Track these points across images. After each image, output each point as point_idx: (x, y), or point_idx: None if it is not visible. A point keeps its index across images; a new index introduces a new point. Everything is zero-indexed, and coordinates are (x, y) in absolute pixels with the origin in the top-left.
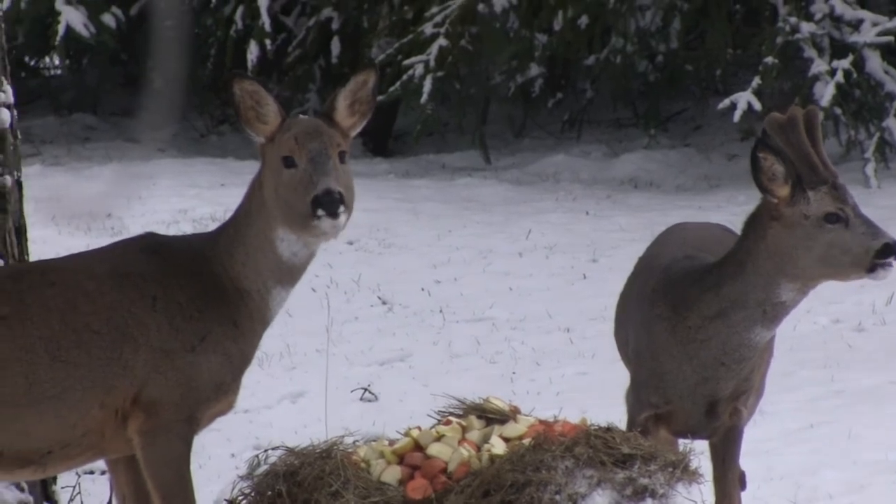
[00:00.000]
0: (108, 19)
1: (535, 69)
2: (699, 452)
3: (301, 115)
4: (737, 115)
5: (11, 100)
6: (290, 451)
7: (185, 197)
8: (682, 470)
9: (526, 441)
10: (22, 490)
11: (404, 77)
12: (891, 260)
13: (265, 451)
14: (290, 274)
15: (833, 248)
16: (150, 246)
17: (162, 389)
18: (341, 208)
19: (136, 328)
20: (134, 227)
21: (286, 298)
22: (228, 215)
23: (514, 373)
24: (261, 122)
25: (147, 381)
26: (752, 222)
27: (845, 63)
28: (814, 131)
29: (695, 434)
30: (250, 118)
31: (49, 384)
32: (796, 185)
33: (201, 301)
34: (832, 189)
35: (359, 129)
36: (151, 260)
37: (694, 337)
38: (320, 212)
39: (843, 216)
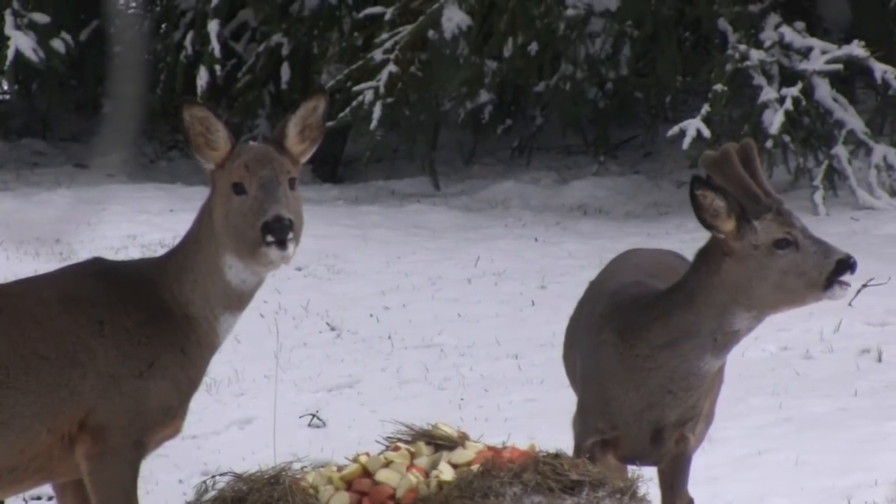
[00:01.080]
0: (57, 44)
1: (484, 96)
2: (647, 479)
3: (251, 142)
4: (686, 143)
5: None
6: (239, 477)
7: (135, 223)
8: (630, 497)
9: (474, 467)
10: None
11: (354, 103)
12: (846, 277)
13: (213, 476)
14: (239, 300)
15: (787, 273)
16: (98, 271)
17: (109, 414)
18: (290, 234)
19: (84, 353)
20: (83, 252)
21: (234, 324)
22: (178, 241)
23: (462, 399)
24: (210, 148)
25: (95, 406)
26: (704, 256)
27: (794, 90)
28: (752, 163)
29: (642, 460)
30: (200, 144)
31: None
32: (741, 217)
33: (149, 327)
34: (777, 215)
35: (309, 156)
36: (100, 285)
37: (642, 365)
38: (269, 238)
39: (791, 240)
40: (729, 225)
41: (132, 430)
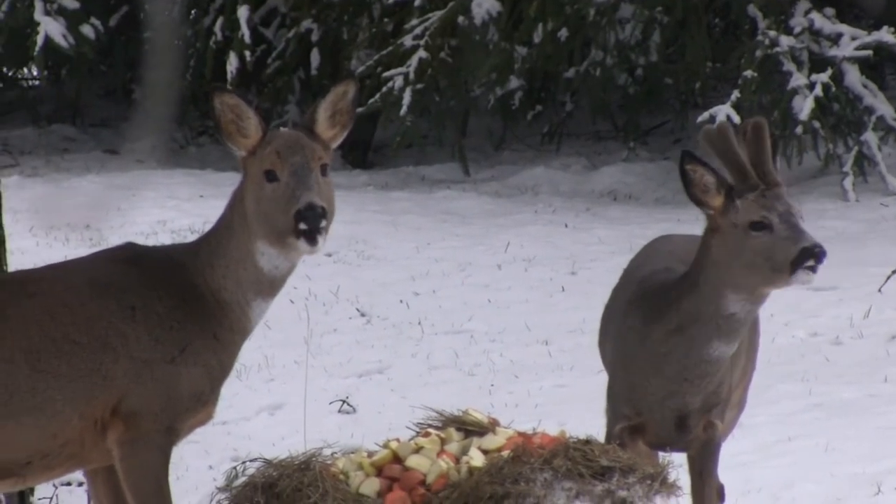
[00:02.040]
0: (87, 30)
1: (514, 82)
2: (678, 465)
3: (282, 128)
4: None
5: None
6: (269, 462)
7: (165, 208)
8: (660, 482)
9: (504, 453)
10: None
11: (384, 89)
12: (810, 263)
13: (243, 462)
14: (271, 286)
15: (758, 255)
16: (129, 257)
17: (142, 400)
18: (322, 223)
19: (116, 339)
20: (113, 238)
21: (266, 310)
22: (208, 227)
23: (492, 385)
24: (242, 135)
25: (127, 391)
26: (703, 236)
27: (824, 77)
28: (760, 142)
29: (669, 446)
30: (231, 132)
31: (29, 395)
32: (728, 194)
33: (181, 312)
34: (759, 196)
35: (339, 141)
36: (131, 271)
37: (658, 350)
38: (302, 225)
39: (767, 223)
40: (717, 201)
41: (164, 416)
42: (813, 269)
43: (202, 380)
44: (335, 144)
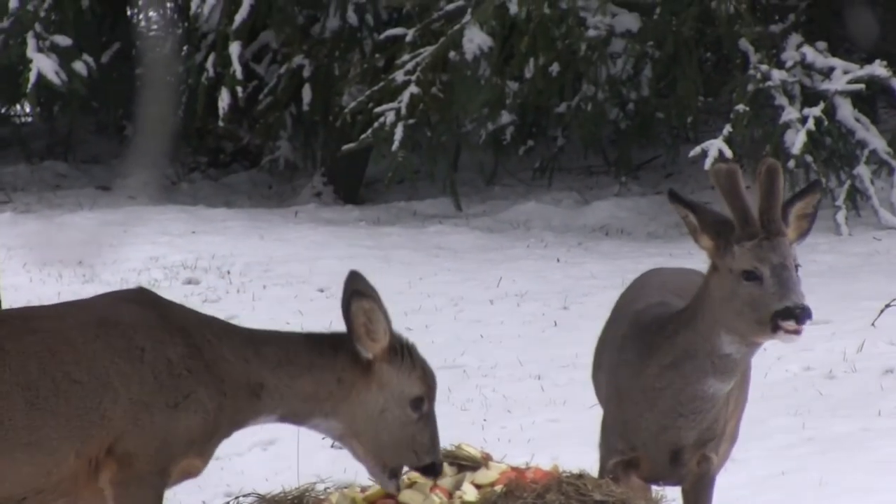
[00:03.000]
0: (79, 67)
1: (506, 117)
2: (671, 499)
3: (421, 358)
4: (708, 163)
5: None
6: (262, 498)
7: (157, 244)
8: None
9: (497, 488)
10: None
11: (375, 124)
12: (790, 323)
13: (236, 498)
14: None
15: (746, 305)
16: (146, 300)
17: (138, 442)
18: None
19: (118, 378)
20: (105, 274)
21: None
22: (201, 263)
23: (485, 420)
24: (371, 339)
25: (124, 432)
26: (706, 273)
27: (816, 111)
28: (771, 186)
29: (664, 480)
30: (361, 335)
31: (25, 431)
32: (720, 237)
33: (193, 361)
34: (756, 246)
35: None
36: (146, 313)
37: (653, 385)
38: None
39: (758, 274)
40: (706, 242)
41: (159, 458)
42: (796, 332)
43: (197, 429)
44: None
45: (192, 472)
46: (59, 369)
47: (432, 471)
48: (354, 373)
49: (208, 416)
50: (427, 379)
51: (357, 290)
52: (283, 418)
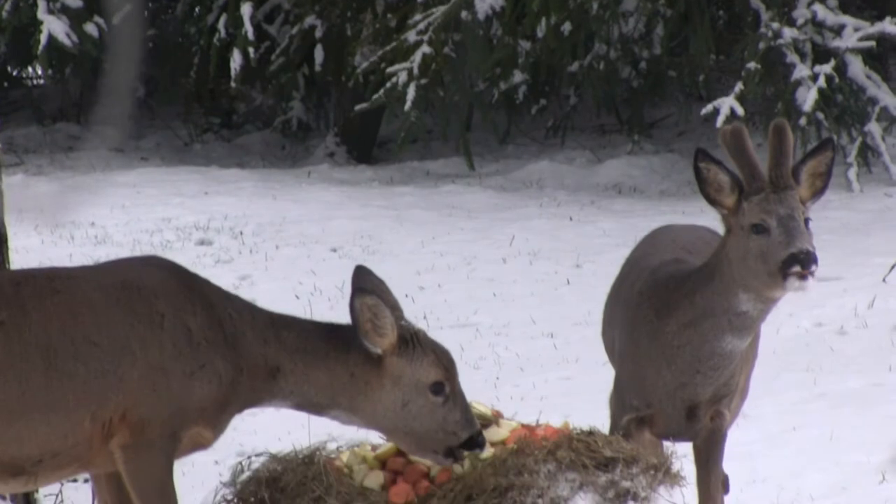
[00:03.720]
0: (90, 28)
1: (518, 76)
2: (682, 455)
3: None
4: (720, 121)
5: None
6: (273, 457)
7: (169, 205)
8: (664, 473)
9: (508, 446)
10: (3, 497)
11: (388, 84)
12: (796, 269)
13: (248, 457)
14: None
15: (756, 258)
16: (170, 268)
17: (153, 407)
18: None
19: (136, 343)
20: (117, 235)
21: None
22: (213, 224)
23: (497, 378)
24: (378, 335)
25: (140, 397)
26: (723, 234)
27: (827, 68)
28: (778, 142)
29: (677, 437)
30: (367, 330)
31: (43, 392)
32: (740, 194)
33: (213, 332)
34: (763, 199)
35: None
36: (170, 280)
37: (671, 343)
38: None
39: (765, 226)
40: (730, 201)
41: (171, 424)
42: (803, 277)
43: (210, 398)
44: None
45: (203, 443)
46: (80, 332)
47: (474, 444)
48: (366, 369)
49: (222, 387)
50: (441, 361)
51: (360, 287)
52: (300, 406)
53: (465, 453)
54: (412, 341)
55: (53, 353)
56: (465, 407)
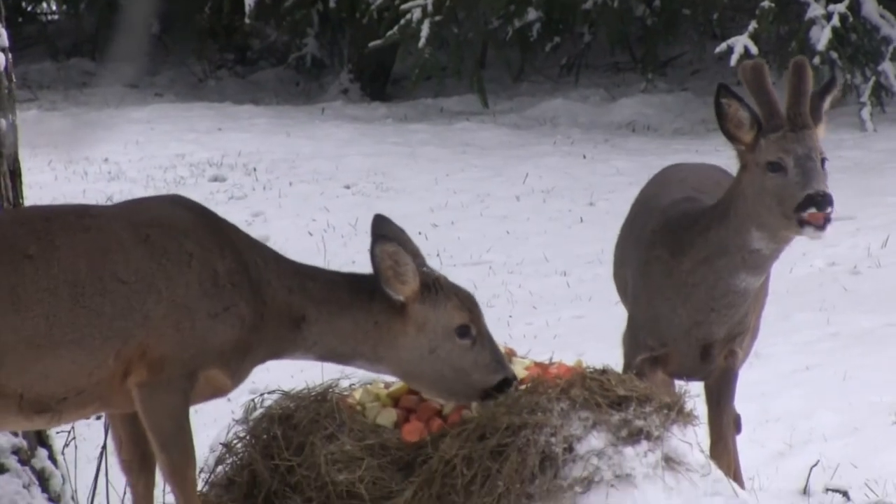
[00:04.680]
0: None
1: (532, 13)
2: (694, 395)
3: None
4: (734, 59)
5: (6, 43)
6: (286, 394)
7: (183, 142)
8: (677, 412)
9: (522, 384)
10: (16, 435)
11: (402, 21)
12: (811, 211)
13: (261, 395)
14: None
15: (772, 196)
16: (200, 210)
17: (175, 346)
18: None
19: (163, 281)
20: (131, 171)
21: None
22: (227, 160)
23: (510, 316)
24: (399, 281)
25: (163, 335)
26: (738, 171)
27: (841, 7)
28: (797, 81)
29: (690, 376)
30: (389, 277)
31: (69, 328)
32: (758, 131)
33: (239, 277)
34: (781, 137)
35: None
36: (199, 221)
37: (686, 280)
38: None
39: (782, 165)
40: (748, 137)
41: (190, 364)
42: (820, 227)
43: (230, 342)
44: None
45: (221, 389)
46: (108, 268)
47: (507, 385)
48: (390, 316)
49: (244, 332)
50: (465, 304)
51: (381, 235)
52: (324, 357)
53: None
54: (434, 287)
55: (81, 289)
56: (494, 349)
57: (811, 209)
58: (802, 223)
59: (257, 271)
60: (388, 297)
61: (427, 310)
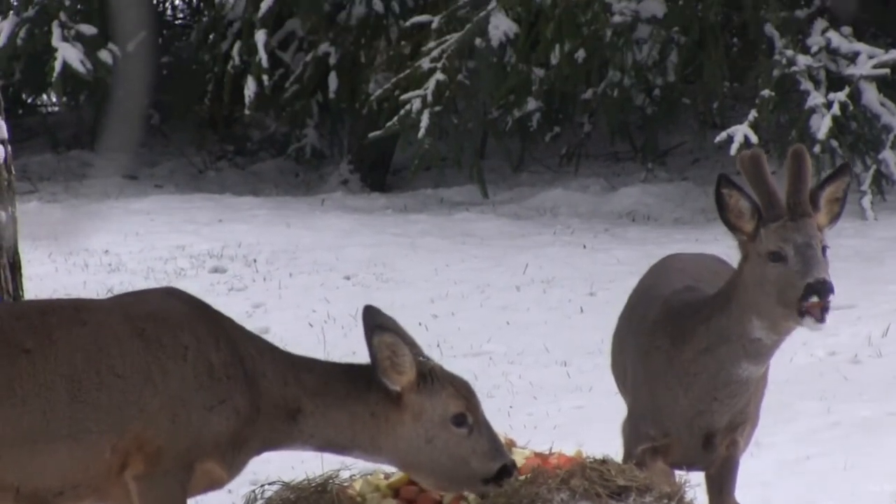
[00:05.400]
0: (104, 55)
1: (532, 103)
2: (695, 484)
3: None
4: (734, 148)
5: (6, 135)
6: (287, 485)
7: (184, 233)
8: (677, 502)
9: (522, 475)
10: None
11: (402, 112)
12: (813, 300)
13: (262, 486)
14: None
15: (773, 286)
16: (194, 302)
17: (171, 438)
18: None
19: (159, 374)
20: (131, 263)
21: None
22: (227, 251)
23: (511, 406)
24: (396, 372)
25: (159, 428)
26: (740, 259)
27: (841, 95)
28: (796, 169)
29: (692, 466)
30: (386, 367)
31: (66, 423)
32: (758, 221)
33: (234, 370)
34: (781, 227)
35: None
36: (194, 313)
37: (688, 370)
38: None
39: (783, 254)
40: (750, 226)
41: (187, 456)
42: (820, 319)
43: (226, 435)
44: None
45: (218, 482)
46: (105, 362)
47: (507, 473)
48: (387, 407)
49: (239, 424)
50: (460, 392)
51: (379, 325)
52: (321, 447)
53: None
54: (430, 376)
55: (78, 383)
56: (492, 436)
57: (812, 298)
58: (803, 314)
59: (252, 363)
60: (385, 387)
61: (423, 399)
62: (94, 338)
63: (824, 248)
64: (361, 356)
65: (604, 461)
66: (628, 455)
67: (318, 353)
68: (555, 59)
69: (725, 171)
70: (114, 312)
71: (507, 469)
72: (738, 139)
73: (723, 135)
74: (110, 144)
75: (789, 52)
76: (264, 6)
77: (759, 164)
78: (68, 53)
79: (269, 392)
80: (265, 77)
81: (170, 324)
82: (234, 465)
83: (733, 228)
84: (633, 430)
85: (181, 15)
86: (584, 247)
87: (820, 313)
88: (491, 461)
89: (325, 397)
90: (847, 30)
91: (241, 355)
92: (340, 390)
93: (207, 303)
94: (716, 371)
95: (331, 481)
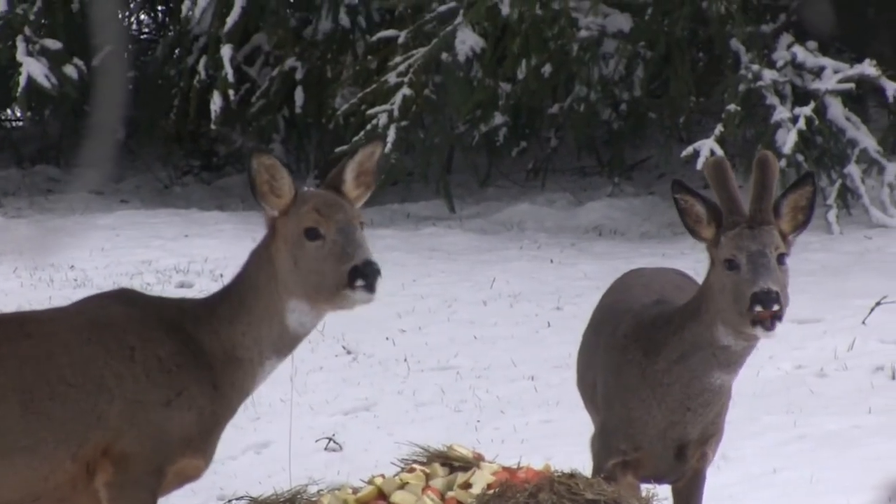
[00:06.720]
0: (69, 70)
1: (499, 118)
2: (663, 498)
3: (310, 188)
4: (700, 163)
5: None
6: (254, 500)
7: (150, 248)
8: None
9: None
10: None
11: (368, 126)
12: (757, 309)
13: (229, 501)
14: (290, 344)
15: (729, 293)
16: (130, 300)
17: (135, 442)
18: (379, 280)
19: (112, 379)
20: (97, 278)
21: (273, 370)
22: (193, 266)
23: (478, 421)
24: (275, 195)
25: (120, 433)
26: (708, 265)
27: (807, 110)
28: (761, 176)
29: (663, 478)
30: (265, 191)
31: (21, 435)
32: (718, 226)
33: (182, 357)
34: (737, 235)
35: (363, 201)
36: (131, 312)
37: (661, 380)
38: (359, 282)
39: (736, 262)
40: (709, 232)
41: (154, 459)
42: (769, 327)
43: (192, 426)
44: (360, 204)
45: (194, 474)
46: (55, 372)
47: (358, 274)
48: (269, 244)
49: (203, 411)
50: (317, 209)
51: (258, 148)
52: (278, 353)
53: None
54: (296, 198)
55: (30, 395)
56: (348, 241)
57: (757, 307)
58: (755, 322)
59: (193, 341)
60: (264, 211)
61: (287, 221)
62: (42, 349)
63: (782, 256)
64: (329, 371)
65: (572, 475)
66: (598, 469)
67: (285, 369)
68: (521, 73)
69: (692, 185)
70: (59, 322)
71: (358, 269)
72: (705, 153)
73: (689, 149)
74: (81, 160)
75: (755, 67)
76: (230, 21)
77: (722, 170)
78: (33, 68)
79: (215, 356)
80: (231, 92)
81: (113, 328)
82: (209, 451)
83: (694, 234)
84: (603, 445)
85: (146, 30)
86: (551, 261)
87: (770, 322)
88: (342, 265)
89: (239, 312)
90: (812, 44)
91: (182, 339)
92: (246, 299)
93: (139, 292)
94: (688, 380)
95: (299, 496)
